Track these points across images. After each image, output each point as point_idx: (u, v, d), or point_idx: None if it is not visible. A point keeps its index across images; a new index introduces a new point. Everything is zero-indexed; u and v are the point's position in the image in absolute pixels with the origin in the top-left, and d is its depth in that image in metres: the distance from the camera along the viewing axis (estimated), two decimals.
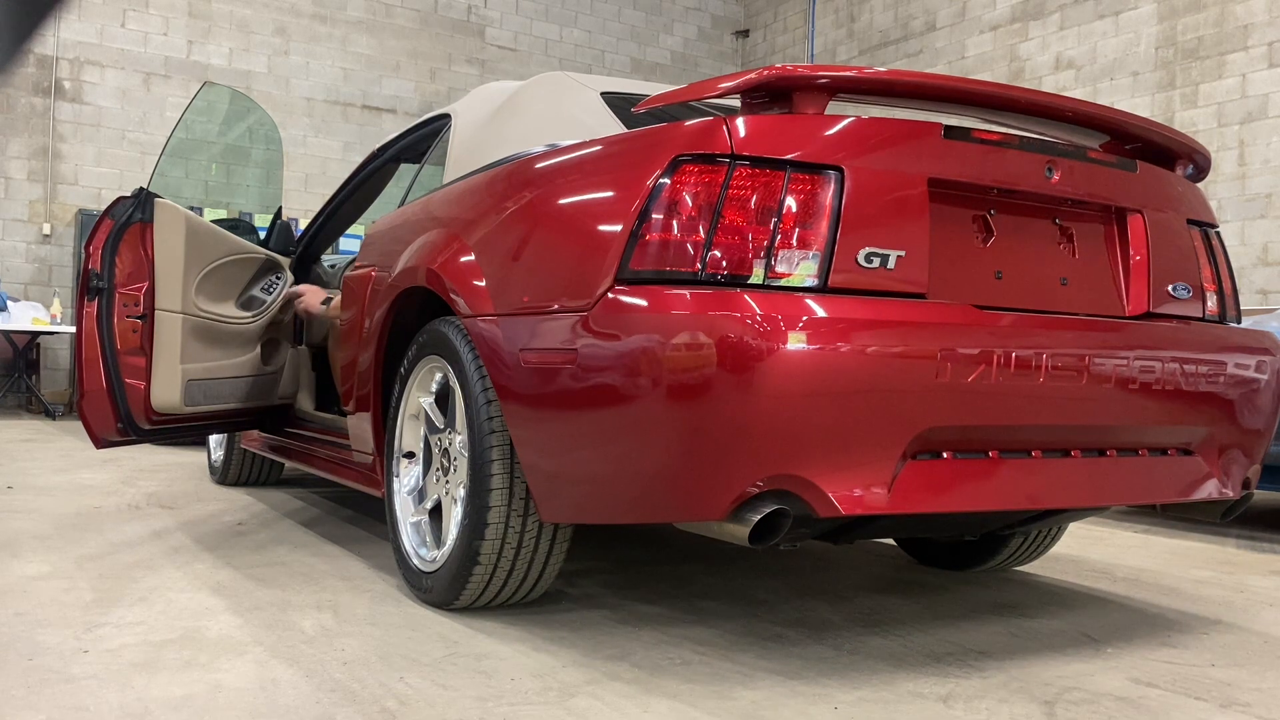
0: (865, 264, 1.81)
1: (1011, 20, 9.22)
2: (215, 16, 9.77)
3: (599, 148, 2.09)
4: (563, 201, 2.09)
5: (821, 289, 1.79)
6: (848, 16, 11.00)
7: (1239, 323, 2.39)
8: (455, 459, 2.34)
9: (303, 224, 6.61)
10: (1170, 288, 2.21)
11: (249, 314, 3.42)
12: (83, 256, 3.09)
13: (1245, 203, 7.48)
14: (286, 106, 10.12)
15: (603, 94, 2.58)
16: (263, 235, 3.96)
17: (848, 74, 1.90)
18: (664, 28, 12.16)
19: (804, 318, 1.69)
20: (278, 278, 3.61)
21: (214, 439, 4.44)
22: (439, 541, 2.39)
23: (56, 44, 9.04)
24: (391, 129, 10.45)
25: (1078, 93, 8.52)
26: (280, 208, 4.05)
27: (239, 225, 3.75)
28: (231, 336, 3.34)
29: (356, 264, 3.04)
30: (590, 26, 11.71)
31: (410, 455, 2.58)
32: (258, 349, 3.47)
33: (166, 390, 3.12)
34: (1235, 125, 7.54)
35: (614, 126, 2.37)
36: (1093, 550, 3.48)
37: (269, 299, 3.51)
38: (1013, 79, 9.07)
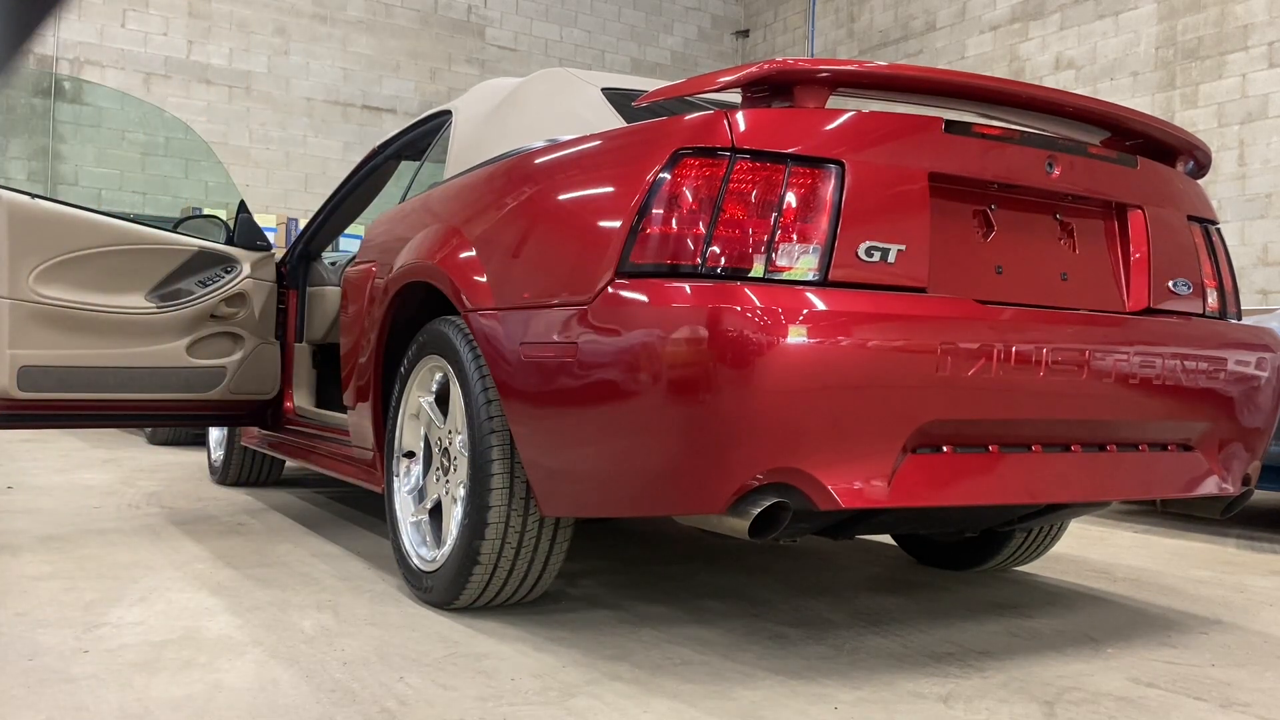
0: (866, 258, 1.81)
1: (1011, 20, 9.22)
2: (215, 16, 9.77)
3: (599, 142, 2.09)
4: (563, 196, 2.08)
5: (822, 283, 1.78)
6: (848, 16, 11.00)
7: (1239, 319, 2.39)
8: (455, 458, 2.34)
9: (303, 224, 6.61)
10: (1171, 284, 2.21)
11: (154, 305, 3.38)
12: None
13: (1245, 202, 7.48)
14: (286, 106, 10.12)
15: (603, 89, 2.58)
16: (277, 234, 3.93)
17: (848, 68, 1.90)
18: (664, 28, 12.17)
19: (804, 311, 1.69)
20: (225, 271, 3.57)
21: (214, 438, 4.44)
22: (439, 541, 2.38)
23: (56, 44, 9.04)
24: (391, 129, 10.45)
25: (1078, 92, 8.52)
26: (242, 201, 4.03)
27: (195, 221, 3.75)
28: (117, 326, 3.30)
29: (357, 261, 3.04)
30: (590, 26, 11.71)
31: (410, 455, 2.57)
32: (179, 340, 3.43)
33: None
34: (1235, 125, 7.53)
35: (614, 122, 2.37)
36: (1093, 550, 3.48)
37: (200, 291, 3.48)
38: (1013, 79, 9.07)
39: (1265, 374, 2.22)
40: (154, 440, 6.00)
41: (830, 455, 1.72)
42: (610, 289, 1.84)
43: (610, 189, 1.94)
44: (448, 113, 3.09)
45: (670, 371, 1.73)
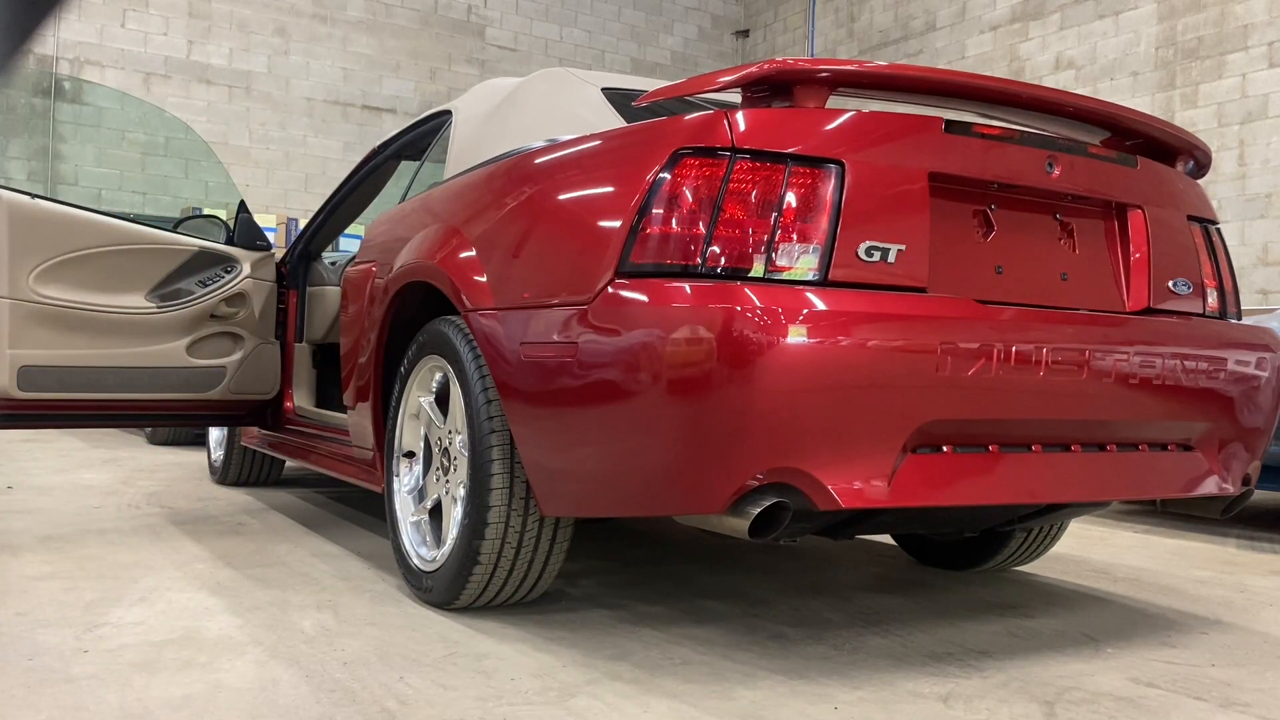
0: (866, 258, 1.81)
1: (1011, 20, 9.22)
2: (215, 16, 9.77)
3: (599, 142, 2.09)
4: (563, 196, 2.09)
5: (822, 282, 1.79)
6: (848, 16, 11.00)
7: (1239, 319, 2.39)
8: (455, 458, 2.34)
9: (303, 224, 6.61)
10: (1171, 283, 2.21)
11: (154, 305, 3.38)
12: None
13: (1245, 202, 7.48)
14: (286, 106, 10.12)
15: (603, 89, 2.58)
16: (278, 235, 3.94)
17: (848, 68, 1.90)
18: (664, 28, 12.16)
19: (804, 311, 1.69)
20: (225, 271, 3.57)
21: (214, 438, 4.44)
22: (439, 541, 2.38)
23: (56, 44, 9.04)
24: (391, 129, 10.45)
25: (1078, 92, 8.52)
26: (242, 201, 4.03)
27: (195, 221, 3.77)
28: (117, 326, 3.30)
29: (357, 261, 3.04)
30: (590, 26, 11.71)
31: (410, 455, 2.57)
32: (179, 340, 3.44)
33: None
34: (1235, 125, 7.53)
35: (614, 122, 2.37)
36: (1093, 550, 3.48)
37: (200, 291, 3.48)
38: (1013, 79, 9.07)
39: (1265, 374, 2.22)
40: (154, 440, 6.00)
41: (830, 455, 1.72)
42: (610, 289, 1.84)
43: (610, 189, 1.94)
44: (448, 113, 3.09)
45: (670, 371, 1.73)
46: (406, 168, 3.99)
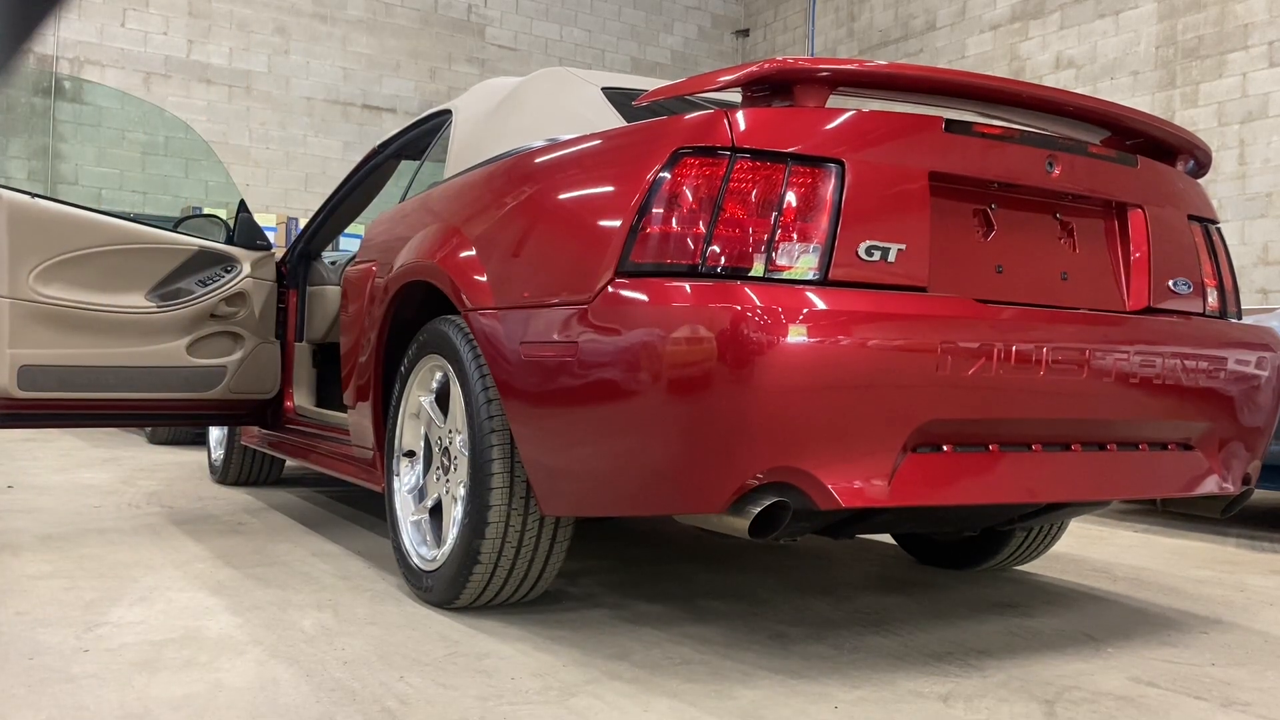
0: (866, 257, 1.81)
1: (1011, 19, 9.22)
2: (215, 16, 9.77)
3: (599, 141, 2.09)
4: (563, 195, 2.09)
5: (822, 282, 1.79)
6: (848, 16, 11.00)
7: (1240, 318, 2.39)
8: (455, 458, 2.34)
9: (303, 223, 6.60)
10: (1171, 283, 2.21)
11: (154, 304, 3.38)
12: None
13: (1246, 202, 7.48)
14: (286, 106, 10.12)
15: (604, 89, 2.58)
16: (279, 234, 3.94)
17: (849, 67, 1.90)
18: (664, 27, 12.17)
19: (804, 310, 1.69)
20: (225, 270, 3.58)
21: (214, 438, 4.44)
22: (439, 540, 2.38)
23: (56, 44, 9.04)
24: (392, 128, 10.45)
25: (1078, 92, 8.51)
26: (242, 200, 4.03)
27: (195, 221, 3.78)
28: (117, 325, 3.30)
29: (357, 260, 3.04)
30: (590, 26, 11.71)
31: (410, 454, 2.57)
32: (179, 340, 3.44)
33: None
34: (1235, 124, 7.53)
35: (615, 121, 2.37)
36: (1093, 550, 3.48)
37: (200, 291, 3.48)
38: (1013, 78, 9.07)
39: (1265, 373, 2.22)
40: (154, 440, 6.00)
41: (830, 454, 1.72)
42: (610, 288, 1.84)
43: (610, 188, 1.94)
44: (448, 112, 3.09)
45: (670, 371, 1.73)
46: (406, 167, 4.00)
